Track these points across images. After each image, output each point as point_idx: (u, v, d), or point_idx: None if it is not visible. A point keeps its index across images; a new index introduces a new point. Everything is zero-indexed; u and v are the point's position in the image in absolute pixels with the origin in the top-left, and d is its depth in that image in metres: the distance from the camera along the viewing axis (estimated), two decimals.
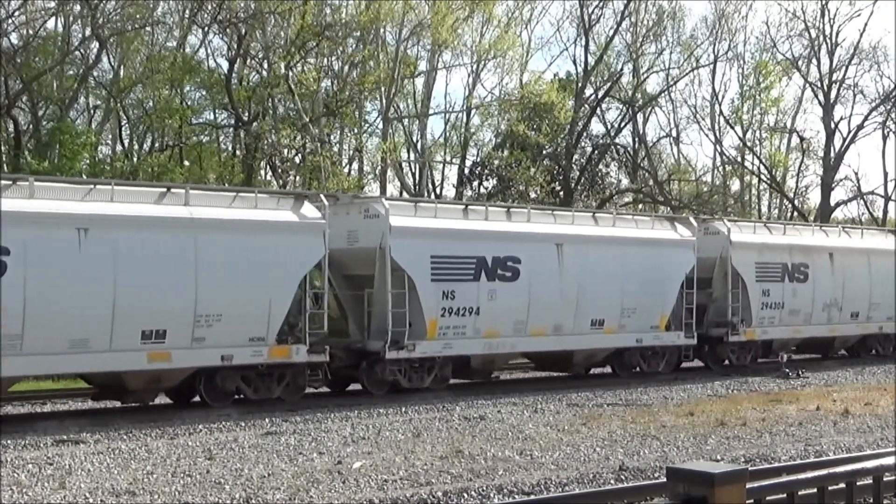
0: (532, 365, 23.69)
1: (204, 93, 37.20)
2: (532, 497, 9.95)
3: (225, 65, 35.97)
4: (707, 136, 66.12)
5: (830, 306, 26.61)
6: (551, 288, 20.60)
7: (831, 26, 48.98)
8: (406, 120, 41.50)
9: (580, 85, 44.25)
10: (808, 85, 49.10)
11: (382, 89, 37.56)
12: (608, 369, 23.36)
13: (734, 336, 24.33)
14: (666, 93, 48.70)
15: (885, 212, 51.50)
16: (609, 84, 45.95)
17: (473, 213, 20.48)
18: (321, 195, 18.54)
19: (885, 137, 50.32)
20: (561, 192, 41.81)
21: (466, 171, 42.92)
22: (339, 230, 18.84)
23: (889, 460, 6.95)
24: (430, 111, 41.95)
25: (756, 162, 50.34)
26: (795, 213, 49.20)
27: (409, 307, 18.63)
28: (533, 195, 39.98)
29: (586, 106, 44.37)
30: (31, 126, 32.19)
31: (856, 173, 71.03)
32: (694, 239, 23.48)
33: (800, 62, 48.87)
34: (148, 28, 34.71)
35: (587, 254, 21.32)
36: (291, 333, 17.54)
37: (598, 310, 21.42)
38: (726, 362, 24.69)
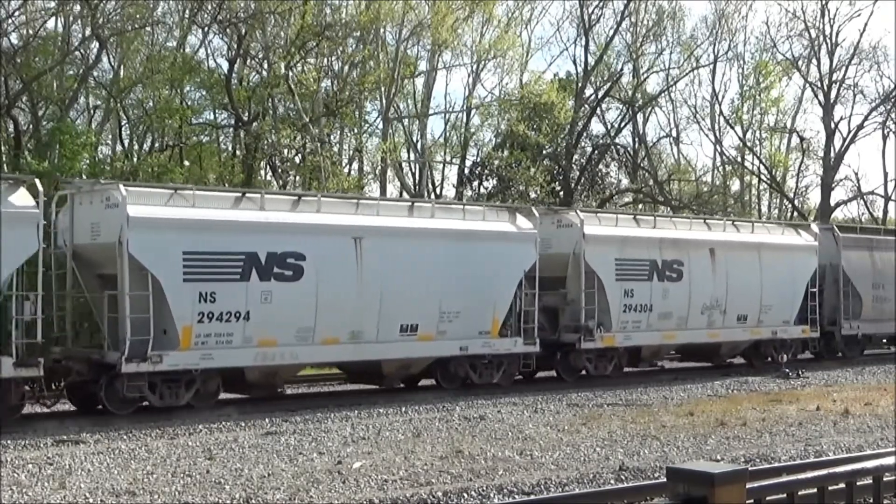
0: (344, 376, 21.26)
1: (204, 93, 37.19)
2: (532, 497, 9.95)
3: (225, 65, 36.00)
4: (707, 136, 66.21)
5: (711, 308, 23.63)
6: (347, 289, 17.86)
7: (831, 26, 49.04)
8: (406, 120, 41.50)
9: (580, 85, 44.24)
10: (808, 85, 49.14)
11: (382, 89, 37.55)
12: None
13: (588, 342, 21.34)
14: (666, 93, 48.73)
15: (885, 212, 51.56)
16: (609, 84, 45.95)
17: (248, 203, 17.50)
18: (36, 180, 15.94)
19: (885, 137, 50.40)
20: (561, 192, 41.81)
21: (466, 171, 42.93)
22: (84, 222, 16.79)
23: (889, 460, 6.95)
24: (430, 111, 41.97)
25: (756, 162, 50.38)
26: (795, 213, 49.20)
27: (156, 312, 15.91)
28: (533, 195, 39.97)
29: (586, 106, 44.36)
30: (31, 126, 32.18)
31: (856, 173, 71.28)
32: (535, 232, 20.55)
33: (800, 62, 48.91)
34: (148, 28, 34.70)
35: (395, 249, 18.49)
36: (8, 343, 15.17)
37: (408, 314, 18.65)
38: (583, 372, 21.93)
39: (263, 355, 17.02)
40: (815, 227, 27.36)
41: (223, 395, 19.56)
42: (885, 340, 30.37)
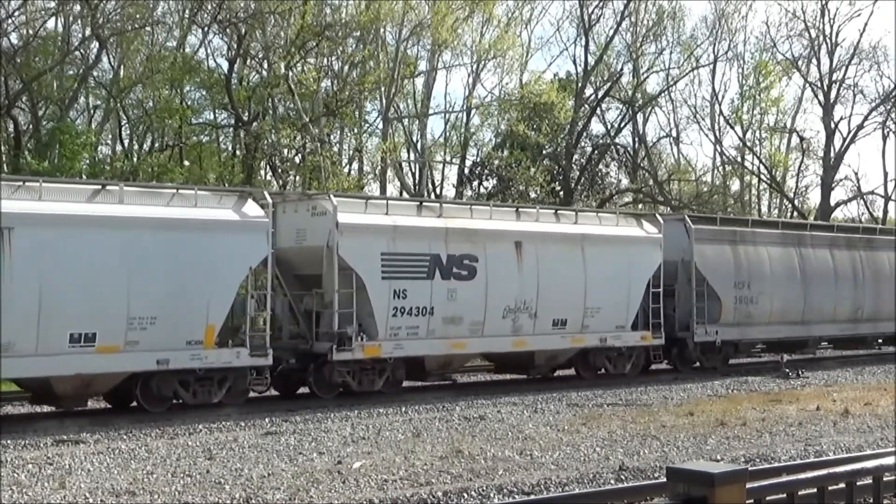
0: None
1: (204, 93, 37.24)
2: (532, 497, 9.95)
3: (225, 65, 36.05)
4: (707, 136, 66.28)
5: (517, 312, 19.94)
6: None
7: (831, 26, 49.14)
8: (406, 120, 41.53)
9: (580, 85, 44.27)
10: (808, 85, 49.23)
11: (382, 89, 37.58)
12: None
13: (344, 352, 17.83)
14: (666, 93, 48.78)
15: (885, 212, 51.61)
16: (609, 84, 45.98)
17: None
18: None
19: (885, 137, 50.48)
20: (561, 192, 41.82)
21: (466, 171, 42.95)
22: None
23: (889, 460, 6.95)
24: (430, 111, 42.01)
25: (756, 162, 50.44)
26: (795, 213, 49.23)
27: None
28: (533, 195, 39.99)
29: (586, 106, 44.38)
30: (31, 126, 32.22)
31: (856, 173, 71.42)
32: (266, 220, 17.23)
33: (800, 62, 49.00)
34: (148, 28, 34.74)
35: (62, 242, 15.30)
36: None
37: (82, 320, 15.34)
38: (353, 388, 18.45)
39: None
40: (659, 217, 23.48)
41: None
42: (763, 347, 27.27)
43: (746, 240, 25.14)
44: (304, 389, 18.97)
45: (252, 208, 17.41)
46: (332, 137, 39.52)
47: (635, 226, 22.92)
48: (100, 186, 16.81)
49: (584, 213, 23.17)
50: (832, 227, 29.57)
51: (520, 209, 22.00)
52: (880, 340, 30.06)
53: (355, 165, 42.28)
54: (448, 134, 44.07)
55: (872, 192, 52.54)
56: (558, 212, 22.46)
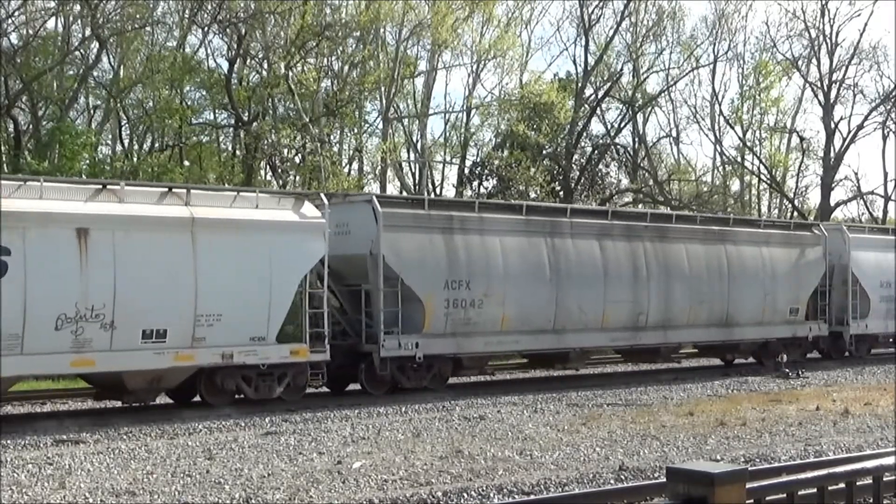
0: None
1: (204, 93, 37.29)
2: (532, 497, 9.95)
3: (225, 65, 36.09)
4: (707, 136, 66.38)
5: (81, 321, 15.16)
6: None
7: (831, 26, 49.16)
8: (406, 120, 41.53)
9: (580, 85, 44.28)
10: (808, 85, 49.21)
11: (382, 89, 37.62)
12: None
13: None
14: (666, 93, 48.78)
15: (885, 211, 51.61)
16: (609, 84, 45.99)
17: None
18: None
19: (885, 137, 50.46)
20: (561, 192, 41.81)
21: (466, 171, 42.94)
22: None
23: (889, 460, 6.94)
24: (430, 111, 42.04)
25: (756, 162, 50.45)
26: (796, 213, 49.22)
27: None
28: (533, 195, 39.99)
29: (586, 106, 44.38)
30: (31, 126, 32.24)
31: (856, 173, 71.45)
32: None
33: (800, 62, 48.98)
34: (148, 28, 34.78)
35: None
36: None
37: None
38: None
39: None
40: (324, 197, 18.25)
41: None
42: (529, 358, 22.70)
43: (469, 228, 19.80)
44: None
45: None
46: (332, 137, 39.53)
47: (287, 208, 17.76)
48: None
49: (202, 193, 17.55)
50: (605, 213, 23.24)
51: (107, 185, 16.55)
52: (680, 352, 25.42)
53: (355, 165, 42.32)
54: (448, 134, 44.15)
55: (872, 192, 52.61)
56: (172, 190, 17.05)
